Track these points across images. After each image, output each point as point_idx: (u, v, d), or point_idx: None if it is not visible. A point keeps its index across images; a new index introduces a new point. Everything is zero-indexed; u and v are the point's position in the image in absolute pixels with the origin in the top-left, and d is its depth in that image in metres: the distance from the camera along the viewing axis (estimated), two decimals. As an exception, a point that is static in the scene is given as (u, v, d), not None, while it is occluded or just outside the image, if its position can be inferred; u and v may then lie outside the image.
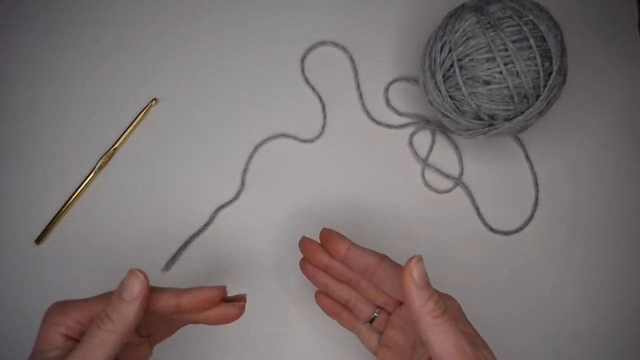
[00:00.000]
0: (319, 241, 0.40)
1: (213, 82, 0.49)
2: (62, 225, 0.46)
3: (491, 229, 0.46)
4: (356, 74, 0.49)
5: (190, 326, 0.40)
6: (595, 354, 0.44)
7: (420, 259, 0.32)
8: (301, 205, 0.47)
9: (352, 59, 0.49)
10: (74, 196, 0.46)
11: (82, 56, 0.50)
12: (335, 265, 0.39)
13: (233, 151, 0.48)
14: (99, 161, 0.47)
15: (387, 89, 0.49)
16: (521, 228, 0.46)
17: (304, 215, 0.46)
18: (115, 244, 0.46)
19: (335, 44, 0.50)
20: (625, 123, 0.48)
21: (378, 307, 0.39)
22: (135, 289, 0.31)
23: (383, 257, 0.38)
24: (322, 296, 0.41)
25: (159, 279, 0.45)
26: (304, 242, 0.40)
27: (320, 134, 0.48)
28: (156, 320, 0.35)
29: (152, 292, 0.33)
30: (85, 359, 0.30)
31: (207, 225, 0.46)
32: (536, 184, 0.47)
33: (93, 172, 0.47)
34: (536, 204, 0.47)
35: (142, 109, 0.48)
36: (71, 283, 0.45)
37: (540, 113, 0.41)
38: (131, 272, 0.31)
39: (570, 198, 0.47)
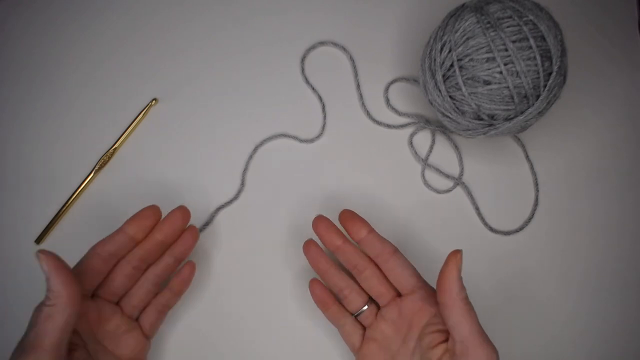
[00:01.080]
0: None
1: (213, 81, 0.49)
2: (62, 225, 0.46)
3: (491, 229, 0.46)
4: (356, 74, 0.49)
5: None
6: (596, 354, 0.44)
7: (461, 252, 0.37)
8: (301, 205, 0.47)
9: (352, 59, 0.49)
10: (74, 196, 0.46)
11: (82, 56, 0.50)
12: (347, 248, 0.41)
13: (233, 151, 0.48)
14: (98, 161, 0.47)
15: (387, 89, 0.49)
16: (521, 228, 0.46)
17: (303, 215, 0.46)
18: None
19: (335, 44, 0.50)
20: (625, 123, 0.48)
21: (369, 301, 0.41)
22: (44, 266, 0.35)
23: (397, 249, 0.40)
24: (317, 284, 0.42)
25: (159, 279, 0.45)
26: (319, 219, 0.41)
27: (320, 134, 0.48)
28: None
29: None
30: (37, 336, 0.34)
31: (207, 224, 0.46)
32: (536, 184, 0.47)
33: (93, 172, 0.47)
34: (536, 204, 0.47)
35: (142, 109, 0.48)
36: None
37: (540, 113, 0.41)
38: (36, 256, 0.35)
39: (571, 198, 0.47)
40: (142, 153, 0.48)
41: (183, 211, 0.41)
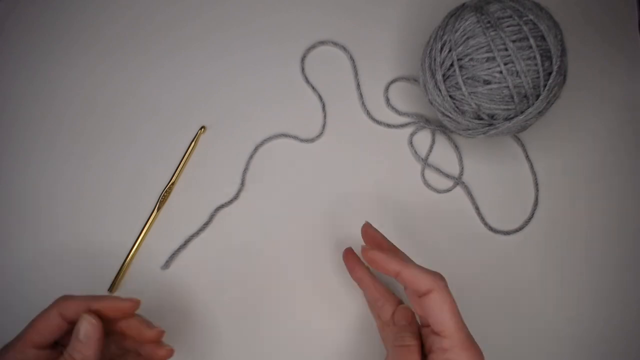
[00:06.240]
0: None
1: (213, 81, 0.49)
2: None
3: (491, 229, 0.46)
4: (356, 74, 0.49)
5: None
6: (595, 354, 0.44)
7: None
8: (301, 205, 0.47)
9: (352, 59, 0.49)
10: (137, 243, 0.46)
11: (82, 55, 0.50)
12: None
13: (233, 150, 0.48)
14: (159, 198, 0.47)
15: (387, 89, 0.49)
16: (521, 228, 0.46)
17: (303, 214, 0.46)
18: (114, 241, 0.46)
19: (335, 44, 0.50)
20: (625, 122, 0.48)
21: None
22: (88, 331, 0.35)
23: (435, 286, 0.36)
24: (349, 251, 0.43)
25: (158, 277, 0.45)
26: (347, 255, 0.43)
27: (321, 134, 0.48)
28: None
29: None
30: None
31: (206, 224, 0.46)
32: (536, 184, 0.47)
33: (155, 210, 0.46)
34: (536, 203, 0.47)
35: (192, 138, 0.48)
36: (71, 283, 0.45)
37: (540, 113, 0.41)
38: (82, 317, 0.36)
39: (570, 198, 0.47)
40: (143, 152, 0.48)
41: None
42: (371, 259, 0.38)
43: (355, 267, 0.42)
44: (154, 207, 0.46)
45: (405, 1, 0.51)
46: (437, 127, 0.48)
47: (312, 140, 0.48)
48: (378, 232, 0.41)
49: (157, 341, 0.39)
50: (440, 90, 0.42)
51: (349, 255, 0.42)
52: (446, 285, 0.36)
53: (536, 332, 0.44)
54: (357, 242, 0.46)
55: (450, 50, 0.40)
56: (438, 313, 0.35)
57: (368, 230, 0.41)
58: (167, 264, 0.45)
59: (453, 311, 0.35)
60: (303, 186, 0.47)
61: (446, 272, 0.45)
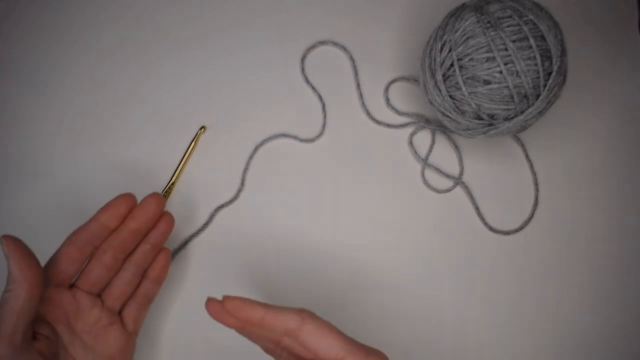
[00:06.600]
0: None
1: (213, 81, 0.49)
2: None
3: (491, 229, 0.46)
4: (356, 74, 0.49)
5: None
6: (595, 354, 0.44)
7: None
8: (301, 205, 0.47)
9: (352, 59, 0.49)
10: None
11: (82, 56, 0.50)
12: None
13: (233, 150, 0.48)
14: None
15: (387, 89, 0.49)
16: (521, 228, 0.46)
17: (303, 215, 0.46)
18: None
19: (335, 44, 0.50)
20: (625, 122, 0.48)
21: None
22: (4, 249, 0.34)
23: (304, 317, 0.32)
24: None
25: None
26: (210, 306, 0.33)
27: (321, 134, 0.48)
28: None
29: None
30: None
31: (206, 224, 0.46)
32: (536, 184, 0.47)
33: None
34: (536, 203, 0.47)
35: (192, 138, 0.48)
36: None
37: (540, 113, 0.41)
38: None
39: (571, 198, 0.47)
40: (143, 152, 0.48)
41: (156, 198, 0.41)
42: (233, 310, 0.32)
43: (227, 318, 0.33)
44: (154, 207, 0.46)
45: (405, 1, 0.51)
46: (437, 127, 0.48)
47: (312, 140, 0.48)
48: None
49: (159, 212, 0.42)
50: (440, 90, 0.42)
51: (220, 310, 0.32)
52: (313, 313, 0.32)
53: (536, 332, 0.44)
54: (357, 241, 0.46)
55: (450, 50, 0.40)
56: (322, 339, 0.31)
57: (217, 305, 0.32)
58: (167, 264, 0.45)
59: (334, 331, 0.32)
60: (303, 186, 0.47)
61: (446, 272, 0.46)
